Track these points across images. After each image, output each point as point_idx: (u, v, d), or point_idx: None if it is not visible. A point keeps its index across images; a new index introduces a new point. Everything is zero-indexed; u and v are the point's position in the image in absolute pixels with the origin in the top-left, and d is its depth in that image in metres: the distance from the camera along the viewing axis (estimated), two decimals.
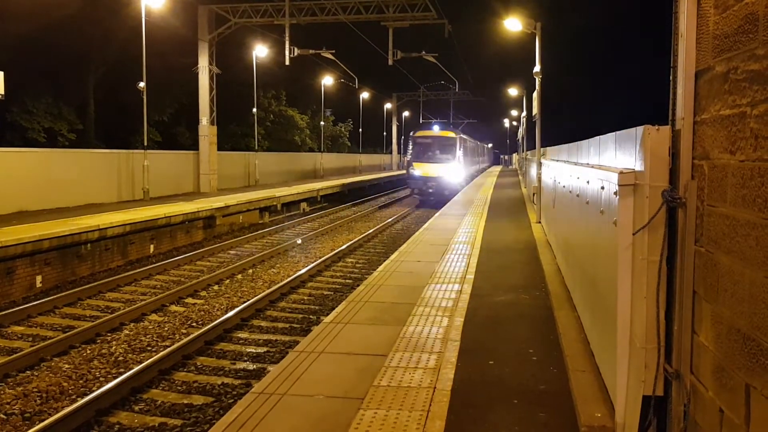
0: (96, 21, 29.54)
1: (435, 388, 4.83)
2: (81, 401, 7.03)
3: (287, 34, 27.66)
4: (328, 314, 7.38)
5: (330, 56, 32.06)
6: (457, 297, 7.69)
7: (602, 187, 4.67)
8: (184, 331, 10.32)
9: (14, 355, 8.72)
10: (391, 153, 74.07)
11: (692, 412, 3.33)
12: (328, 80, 49.32)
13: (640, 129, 3.67)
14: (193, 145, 32.46)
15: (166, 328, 10.43)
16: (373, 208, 32.16)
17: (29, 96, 27.85)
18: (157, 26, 26.84)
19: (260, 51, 35.42)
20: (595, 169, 5.14)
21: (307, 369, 5.27)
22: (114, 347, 9.41)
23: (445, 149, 34.71)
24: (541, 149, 16.01)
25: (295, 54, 28.67)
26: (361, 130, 63.46)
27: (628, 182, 3.76)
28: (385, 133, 74.04)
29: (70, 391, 7.76)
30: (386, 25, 28.56)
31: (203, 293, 12.96)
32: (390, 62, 30.07)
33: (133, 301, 12.31)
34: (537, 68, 16.22)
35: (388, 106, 70.61)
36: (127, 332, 10.22)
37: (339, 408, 4.48)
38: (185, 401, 7.47)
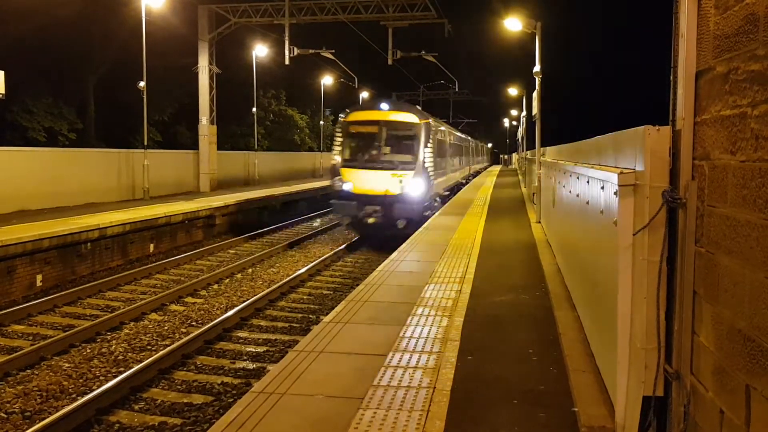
0: (96, 20, 29.52)
1: (434, 388, 4.83)
2: (81, 400, 7.04)
3: (287, 34, 27.63)
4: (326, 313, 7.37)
5: (330, 56, 32.02)
6: (456, 297, 7.68)
7: (602, 188, 4.67)
8: (184, 330, 10.33)
9: (14, 354, 8.73)
10: None
11: (692, 413, 3.33)
12: (327, 80, 49.30)
13: (640, 129, 3.66)
14: (193, 144, 32.45)
15: (166, 327, 10.43)
16: None
17: (29, 95, 27.83)
18: (158, 26, 26.83)
19: (260, 51, 35.42)
20: (595, 169, 5.13)
21: (306, 368, 5.26)
22: (114, 346, 9.42)
23: (401, 145, 19.54)
24: (541, 149, 16.01)
25: (295, 54, 28.64)
26: None
27: (629, 182, 3.76)
28: None
29: (70, 390, 7.77)
30: (386, 25, 28.56)
31: (203, 292, 12.97)
32: (390, 62, 30.05)
33: (134, 300, 12.32)
34: (537, 68, 16.22)
35: None
36: (127, 331, 10.22)
37: (338, 408, 4.48)
38: (185, 400, 7.47)
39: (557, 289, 8.00)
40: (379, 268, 9.76)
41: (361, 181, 18.74)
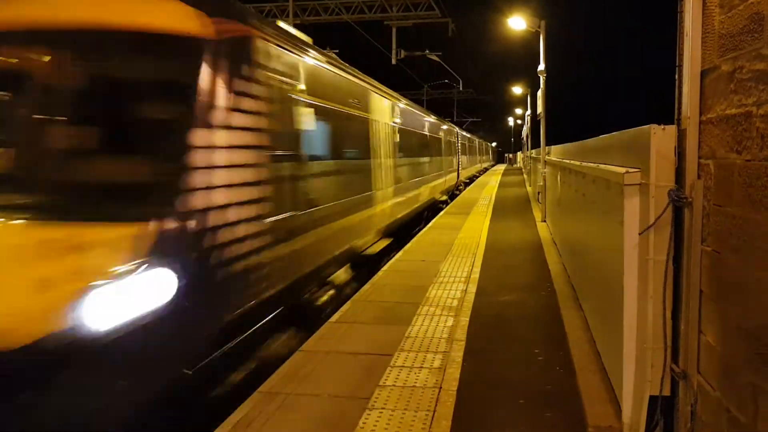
0: None
1: (441, 388, 4.83)
2: None
3: None
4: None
5: (333, 56, 32.01)
6: (462, 296, 7.68)
7: (608, 187, 4.67)
8: None
9: None
10: None
11: (699, 412, 3.33)
12: None
13: (645, 128, 3.66)
14: None
15: None
16: None
17: None
18: None
19: None
20: (601, 168, 5.13)
21: (312, 369, 5.27)
22: None
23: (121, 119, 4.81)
24: (546, 147, 15.98)
25: None
26: None
27: (634, 182, 3.75)
28: None
29: None
30: (390, 24, 28.57)
31: None
32: (393, 61, 30.03)
33: None
34: (541, 66, 16.18)
35: None
36: None
37: (345, 408, 4.49)
38: None
39: (563, 288, 7.99)
40: (384, 267, 9.76)
41: None
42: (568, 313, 6.81)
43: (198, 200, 4.48)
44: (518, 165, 72.26)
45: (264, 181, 5.47)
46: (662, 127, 3.54)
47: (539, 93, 16.73)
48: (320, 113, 7.36)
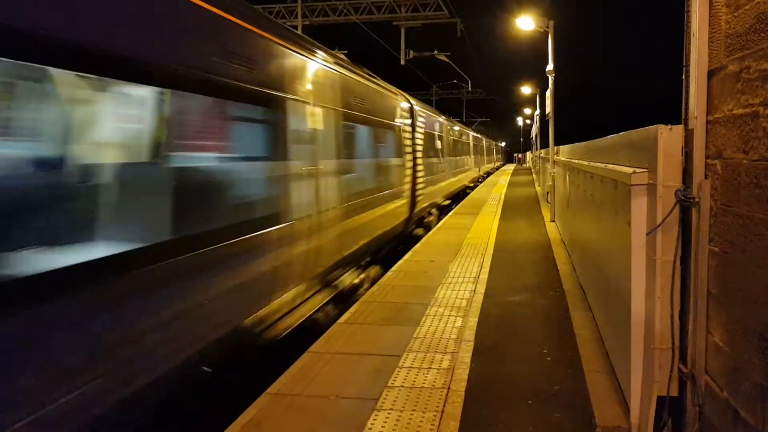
0: None
1: (449, 388, 4.84)
2: None
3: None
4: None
5: (342, 57, 32.07)
6: (470, 297, 7.68)
7: (615, 187, 4.66)
8: None
9: None
10: None
11: (707, 413, 3.32)
12: None
13: (652, 128, 3.66)
14: None
15: None
16: None
17: None
18: None
19: None
20: (609, 168, 5.12)
21: (321, 370, 5.29)
22: None
23: None
24: (555, 148, 15.94)
25: None
26: None
27: (641, 182, 3.75)
28: None
29: None
30: (398, 25, 28.58)
31: None
32: (402, 62, 30.05)
33: None
34: (550, 66, 16.14)
35: None
36: None
37: (353, 409, 4.50)
38: None
39: (572, 288, 7.97)
40: (393, 268, 9.77)
41: None
42: (577, 314, 6.80)
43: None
44: (527, 165, 72.08)
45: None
46: (669, 127, 3.54)
47: (548, 93, 16.69)
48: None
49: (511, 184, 32.59)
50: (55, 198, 3.47)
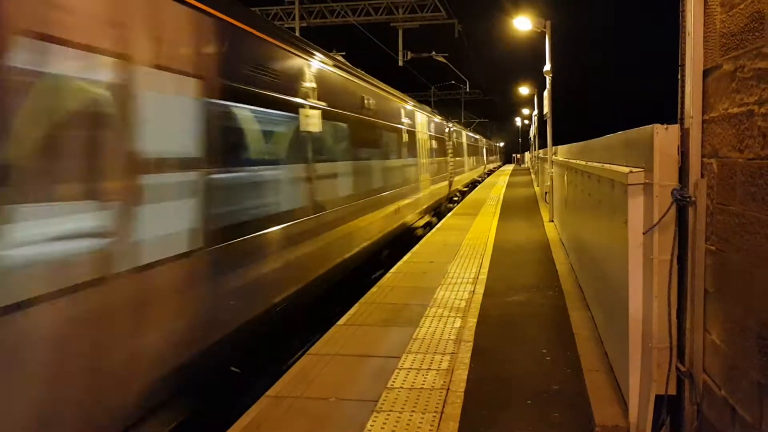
0: None
1: (448, 389, 4.84)
2: None
3: None
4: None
5: (340, 58, 32.08)
6: (469, 297, 7.69)
7: (613, 187, 4.67)
8: None
9: None
10: None
11: (705, 411, 3.33)
12: None
13: (649, 128, 3.66)
14: None
15: None
16: None
17: None
18: None
19: None
20: (606, 168, 5.13)
21: (320, 372, 5.30)
22: None
23: None
24: (553, 148, 15.96)
25: None
26: None
27: (638, 181, 3.76)
28: None
29: None
30: (396, 26, 28.60)
31: None
32: (400, 63, 30.07)
33: None
34: (547, 67, 16.16)
35: None
36: None
37: (353, 411, 4.51)
38: None
39: (570, 288, 7.98)
40: (393, 269, 9.78)
41: None
42: (576, 314, 6.80)
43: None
44: (526, 165, 72.10)
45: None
46: (665, 126, 3.55)
47: (545, 93, 16.71)
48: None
49: (509, 185, 32.61)
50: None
